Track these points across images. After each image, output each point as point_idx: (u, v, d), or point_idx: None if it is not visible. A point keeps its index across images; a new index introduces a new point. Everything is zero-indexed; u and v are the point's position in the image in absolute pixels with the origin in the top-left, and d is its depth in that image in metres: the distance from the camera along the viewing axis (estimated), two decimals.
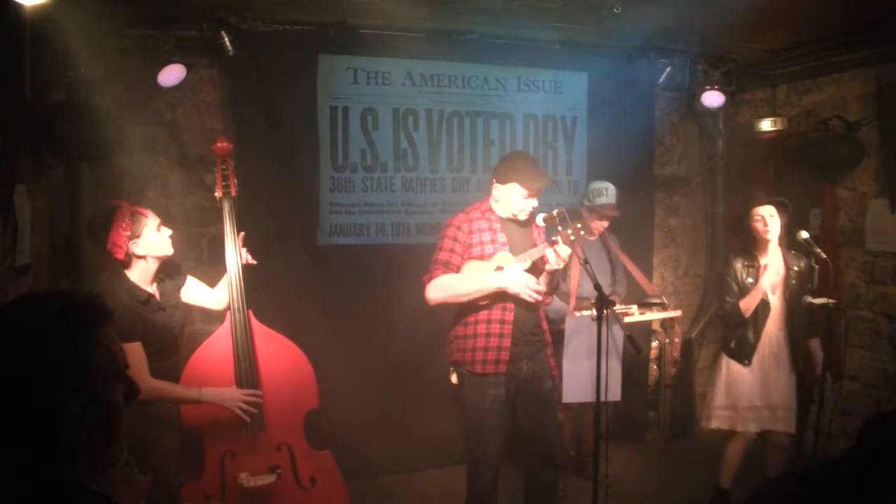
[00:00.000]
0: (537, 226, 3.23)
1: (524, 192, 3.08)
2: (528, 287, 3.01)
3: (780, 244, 3.67)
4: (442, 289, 3.05)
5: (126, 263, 2.87)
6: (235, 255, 3.10)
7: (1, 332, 1.08)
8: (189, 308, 3.21)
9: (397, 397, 4.29)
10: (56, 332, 1.08)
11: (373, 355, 4.24)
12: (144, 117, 4.03)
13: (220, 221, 3.16)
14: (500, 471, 3.22)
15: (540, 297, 3.09)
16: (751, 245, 3.68)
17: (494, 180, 3.17)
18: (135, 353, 2.73)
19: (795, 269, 3.65)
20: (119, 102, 3.52)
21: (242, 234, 3.18)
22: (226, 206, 3.14)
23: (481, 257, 3.09)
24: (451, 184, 4.53)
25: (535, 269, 3.12)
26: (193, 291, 3.17)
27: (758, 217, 3.60)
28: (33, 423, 1.04)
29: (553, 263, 2.98)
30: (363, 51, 4.22)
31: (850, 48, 4.19)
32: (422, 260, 3.24)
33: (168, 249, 2.93)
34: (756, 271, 3.61)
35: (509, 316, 3.08)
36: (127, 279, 2.86)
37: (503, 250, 3.10)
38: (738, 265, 3.66)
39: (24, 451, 1.04)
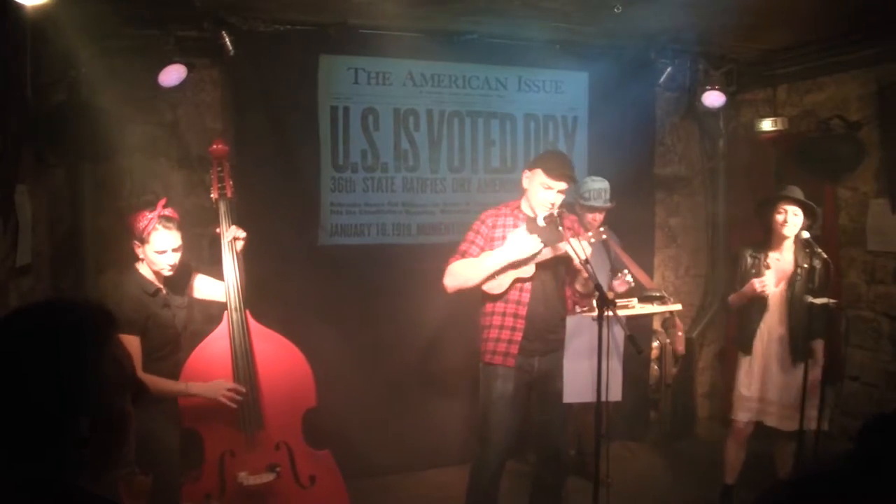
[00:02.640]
0: (570, 228, 3.22)
1: (545, 180, 3.10)
2: (530, 245, 3.03)
3: (795, 242, 3.66)
4: (453, 275, 3.15)
5: (138, 257, 2.95)
6: (231, 255, 3.12)
7: (10, 345, 1.07)
8: (192, 309, 3.22)
9: (397, 397, 4.29)
10: (66, 348, 1.07)
11: (373, 355, 4.24)
12: (145, 117, 4.03)
13: (218, 222, 3.18)
14: (506, 470, 3.22)
15: (547, 255, 3.12)
16: (767, 238, 3.69)
17: (526, 168, 3.26)
18: (132, 345, 2.77)
19: (805, 266, 3.63)
20: (120, 102, 3.53)
21: (239, 230, 3.15)
22: (222, 208, 3.17)
23: None
24: (451, 184, 4.52)
25: (570, 272, 3.20)
26: (204, 287, 3.21)
27: (782, 210, 3.60)
28: (44, 438, 1.04)
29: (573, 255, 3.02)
30: (364, 51, 4.22)
31: (851, 48, 4.19)
32: (423, 260, 3.26)
33: (164, 271, 2.94)
34: (760, 264, 3.64)
35: (522, 311, 3.12)
36: (137, 271, 2.94)
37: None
38: (747, 255, 3.70)
39: (31, 461, 1.04)
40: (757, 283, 3.55)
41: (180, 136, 4.13)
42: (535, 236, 3.05)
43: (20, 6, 2.61)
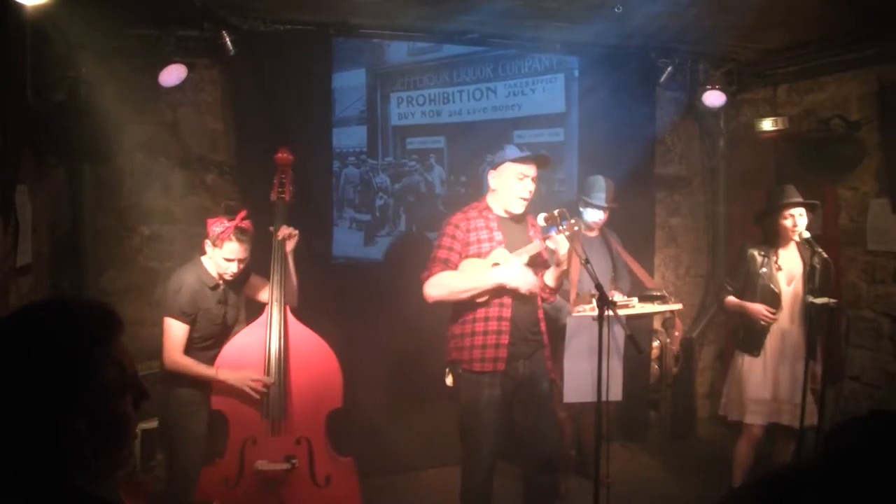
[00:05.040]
0: (535, 225, 3.23)
1: (517, 170, 3.07)
2: (526, 281, 3.02)
3: (799, 241, 3.68)
4: (441, 287, 3.06)
5: (205, 252, 3.16)
6: (280, 252, 3.24)
7: (10, 345, 1.06)
8: (243, 308, 3.39)
9: (397, 397, 4.29)
10: (67, 349, 1.06)
11: (372, 355, 4.23)
12: (145, 117, 4.03)
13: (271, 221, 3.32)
14: (499, 471, 3.22)
15: (537, 291, 3.09)
16: (772, 239, 3.70)
17: (489, 170, 3.19)
18: (177, 331, 3.05)
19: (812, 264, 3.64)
20: (120, 102, 3.52)
21: (292, 230, 3.25)
22: (279, 209, 3.31)
23: (478, 255, 3.09)
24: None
25: (539, 266, 3.12)
26: (257, 287, 3.35)
27: (788, 216, 3.61)
28: (42, 439, 1.04)
29: (554, 252, 3.01)
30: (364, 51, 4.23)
31: (851, 48, 4.19)
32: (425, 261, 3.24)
33: (226, 275, 3.12)
34: (770, 263, 3.64)
35: (507, 313, 3.08)
36: (201, 263, 3.17)
37: (500, 248, 3.10)
38: (756, 253, 3.69)
39: (30, 462, 1.04)
40: (765, 315, 3.58)
41: (180, 136, 4.14)
42: (531, 273, 3.05)
43: (20, 6, 2.60)
